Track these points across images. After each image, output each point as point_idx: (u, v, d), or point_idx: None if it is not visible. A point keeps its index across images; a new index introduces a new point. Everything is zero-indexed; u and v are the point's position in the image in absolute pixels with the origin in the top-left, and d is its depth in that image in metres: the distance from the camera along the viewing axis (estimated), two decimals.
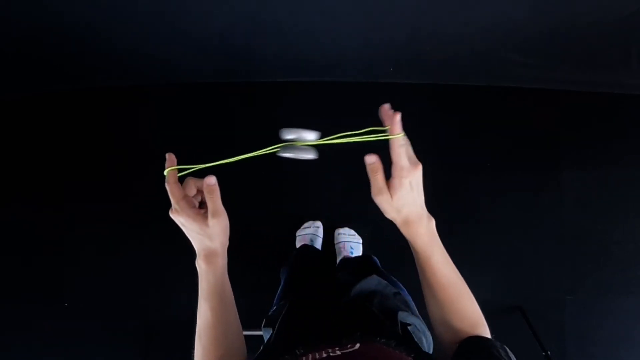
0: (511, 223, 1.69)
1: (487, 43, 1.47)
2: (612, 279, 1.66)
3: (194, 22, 1.34)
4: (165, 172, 0.46)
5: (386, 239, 1.66)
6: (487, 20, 1.33)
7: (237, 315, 0.55)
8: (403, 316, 0.59)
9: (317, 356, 0.28)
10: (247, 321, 0.63)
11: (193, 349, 0.53)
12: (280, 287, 0.97)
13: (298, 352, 0.36)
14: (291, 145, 0.45)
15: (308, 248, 1.45)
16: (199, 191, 0.49)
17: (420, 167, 0.46)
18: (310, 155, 0.46)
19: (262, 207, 1.65)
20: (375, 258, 1.15)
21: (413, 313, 0.67)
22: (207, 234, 0.48)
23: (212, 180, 0.46)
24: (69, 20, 1.30)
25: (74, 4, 1.21)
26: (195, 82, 1.77)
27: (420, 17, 1.33)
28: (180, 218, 0.47)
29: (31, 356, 1.61)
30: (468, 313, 0.52)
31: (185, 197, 0.47)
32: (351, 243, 1.56)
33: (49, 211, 1.69)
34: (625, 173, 1.72)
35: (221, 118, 1.75)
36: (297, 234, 1.60)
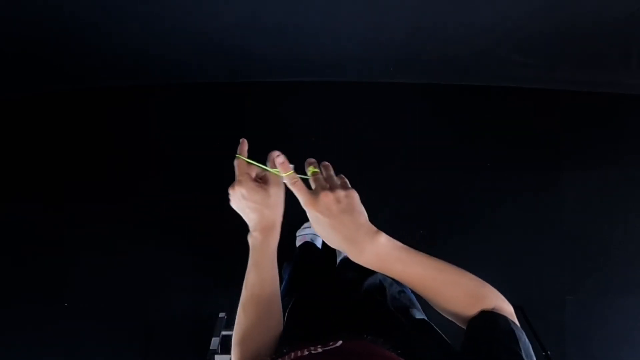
0: (511, 223, 1.69)
1: (487, 43, 1.47)
2: (612, 279, 1.66)
3: (194, 23, 1.34)
4: (237, 154, 0.53)
5: None
6: (487, 20, 1.33)
7: (279, 293, 0.57)
8: (414, 312, 0.59)
9: (299, 354, 0.28)
10: None
11: (197, 345, 0.53)
12: (283, 284, 0.97)
13: (284, 351, 0.36)
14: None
15: (310, 246, 1.45)
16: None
17: (321, 200, 0.46)
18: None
19: None
20: None
21: (419, 310, 0.67)
22: (267, 204, 0.52)
23: (277, 153, 0.51)
24: (69, 21, 1.30)
25: (75, 4, 1.21)
26: (195, 82, 1.77)
27: (420, 17, 1.33)
28: (243, 189, 0.51)
29: (31, 356, 1.61)
30: (461, 297, 0.50)
31: (249, 172, 0.52)
32: None
33: (49, 211, 1.69)
34: (625, 173, 1.72)
35: (221, 118, 1.75)
36: (298, 234, 1.59)
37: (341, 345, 0.28)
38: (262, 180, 0.54)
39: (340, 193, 0.47)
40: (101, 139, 1.76)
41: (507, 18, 1.31)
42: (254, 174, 0.53)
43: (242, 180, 0.51)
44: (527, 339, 0.45)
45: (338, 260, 1.55)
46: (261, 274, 0.54)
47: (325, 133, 1.69)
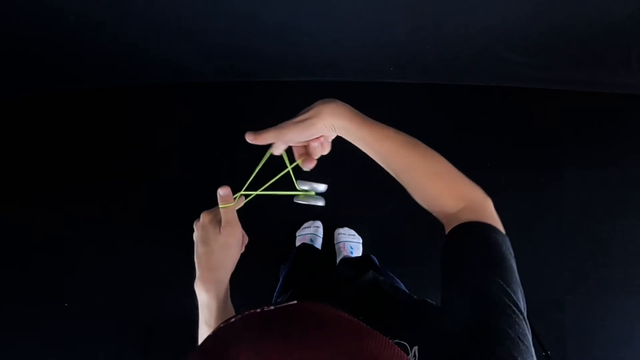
0: (511, 223, 1.67)
1: (487, 43, 1.47)
2: (612, 279, 1.66)
3: (194, 22, 1.34)
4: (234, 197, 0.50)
5: (386, 239, 1.67)
6: (487, 20, 1.32)
7: None
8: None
9: (252, 311, 0.27)
10: None
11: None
12: (279, 284, 0.97)
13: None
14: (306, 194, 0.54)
15: (308, 247, 1.45)
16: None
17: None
18: (320, 203, 0.54)
19: (262, 207, 1.65)
20: (375, 257, 1.16)
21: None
22: (218, 242, 0.48)
23: (224, 190, 0.48)
24: (69, 20, 1.29)
25: (75, 3, 1.21)
26: (195, 82, 1.77)
27: (420, 17, 1.33)
28: (206, 218, 0.49)
29: (31, 356, 1.61)
30: (436, 186, 0.49)
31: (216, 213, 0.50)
32: (351, 243, 1.56)
33: (49, 211, 1.69)
34: (625, 173, 1.72)
35: (221, 118, 1.75)
36: (297, 233, 1.60)
37: (295, 304, 0.27)
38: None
39: None
40: (101, 139, 1.76)
41: (507, 18, 1.31)
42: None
43: (212, 210, 0.49)
44: (506, 245, 0.45)
45: (338, 260, 1.55)
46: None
47: None
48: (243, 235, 0.52)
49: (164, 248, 1.65)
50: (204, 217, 0.49)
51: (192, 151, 1.73)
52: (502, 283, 0.41)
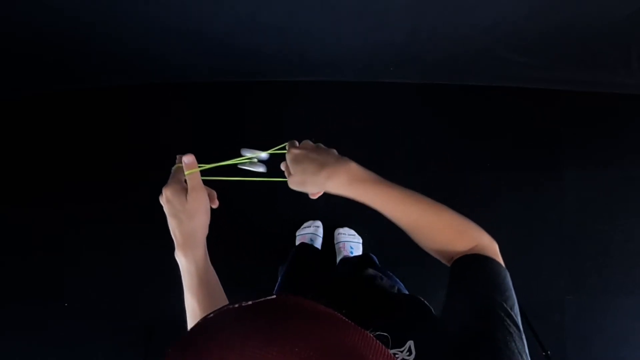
0: (511, 223, 1.68)
1: (487, 43, 1.47)
2: (612, 279, 1.66)
3: (194, 22, 1.34)
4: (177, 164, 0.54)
5: (386, 239, 1.67)
6: (487, 20, 1.32)
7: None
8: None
9: (230, 306, 0.27)
10: None
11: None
12: (277, 284, 0.97)
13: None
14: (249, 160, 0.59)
15: (307, 246, 1.45)
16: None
17: (300, 144, 0.55)
18: (261, 169, 0.59)
19: (262, 207, 1.65)
20: (374, 257, 1.16)
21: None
22: (185, 211, 0.50)
23: (188, 158, 0.52)
24: (69, 20, 1.29)
25: (75, 3, 1.21)
26: (195, 82, 1.77)
27: (420, 17, 1.33)
28: (167, 191, 0.50)
29: (31, 356, 1.61)
30: (443, 229, 0.53)
31: (180, 177, 0.52)
32: (351, 243, 1.57)
33: (49, 211, 1.69)
34: (625, 173, 1.72)
35: (221, 118, 1.75)
36: (297, 233, 1.60)
37: (273, 298, 0.28)
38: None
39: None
40: (101, 139, 1.76)
41: (507, 18, 1.31)
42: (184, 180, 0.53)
43: (169, 183, 0.51)
44: (508, 278, 0.47)
45: (338, 260, 1.55)
46: (197, 295, 0.52)
47: (325, 133, 1.69)
48: (210, 194, 0.55)
49: (164, 248, 1.64)
50: (167, 192, 0.50)
51: (192, 151, 1.72)
52: (506, 306, 0.43)
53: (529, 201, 1.70)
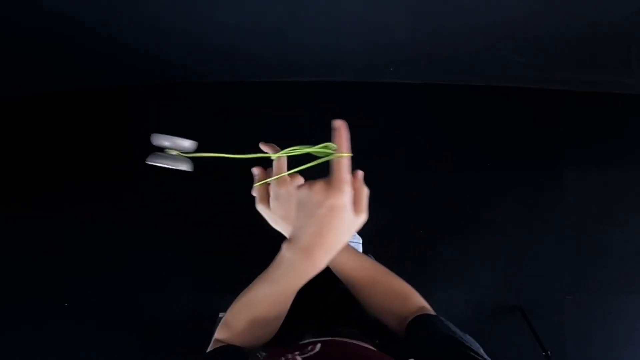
0: (511, 223, 1.68)
1: (487, 43, 1.47)
2: (612, 279, 1.66)
3: (194, 22, 1.34)
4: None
5: (386, 239, 1.67)
6: (487, 20, 1.32)
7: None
8: None
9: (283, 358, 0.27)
10: None
11: (203, 339, 0.51)
12: None
13: (259, 356, 0.35)
14: (165, 154, 0.39)
15: None
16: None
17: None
18: (184, 166, 0.40)
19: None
20: (372, 256, 1.15)
21: None
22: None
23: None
24: (69, 20, 1.29)
25: (75, 3, 1.21)
26: (195, 82, 1.77)
27: (420, 17, 1.33)
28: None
29: (31, 356, 1.61)
30: (391, 295, 0.54)
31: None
32: (351, 243, 1.57)
33: (49, 211, 1.69)
34: (625, 173, 1.72)
35: (221, 118, 1.75)
36: None
37: (320, 350, 0.27)
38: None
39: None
40: (101, 139, 1.76)
41: (507, 18, 1.31)
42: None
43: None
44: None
45: None
46: (275, 300, 0.45)
47: (325, 133, 1.69)
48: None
49: (164, 248, 1.65)
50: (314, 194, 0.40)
51: (192, 151, 1.73)
52: (473, 347, 0.43)
53: (529, 201, 1.70)
